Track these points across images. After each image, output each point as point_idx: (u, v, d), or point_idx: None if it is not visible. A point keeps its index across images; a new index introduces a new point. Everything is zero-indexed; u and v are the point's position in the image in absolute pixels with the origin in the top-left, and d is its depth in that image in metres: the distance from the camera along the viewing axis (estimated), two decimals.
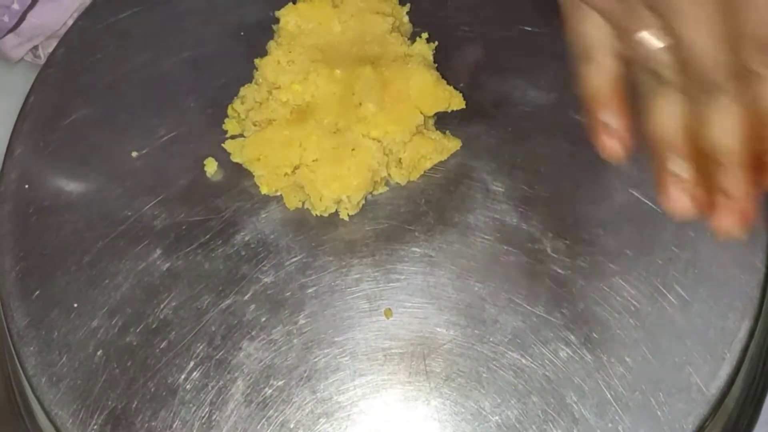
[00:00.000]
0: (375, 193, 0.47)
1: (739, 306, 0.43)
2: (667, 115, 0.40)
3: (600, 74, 0.41)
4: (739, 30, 0.37)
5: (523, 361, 0.43)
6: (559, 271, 0.45)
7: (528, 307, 0.44)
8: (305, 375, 0.43)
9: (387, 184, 0.47)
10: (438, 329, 0.44)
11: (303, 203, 0.46)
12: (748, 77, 0.38)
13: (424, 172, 0.47)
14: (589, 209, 0.46)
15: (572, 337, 0.43)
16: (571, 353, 0.43)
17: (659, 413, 0.41)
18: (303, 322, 0.44)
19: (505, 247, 0.45)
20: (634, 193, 0.47)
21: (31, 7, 0.59)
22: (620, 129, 0.41)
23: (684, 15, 0.37)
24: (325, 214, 0.46)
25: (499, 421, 0.42)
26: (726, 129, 0.38)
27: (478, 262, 0.45)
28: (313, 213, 0.46)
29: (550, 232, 0.46)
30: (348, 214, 0.46)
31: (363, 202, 0.46)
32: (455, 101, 0.46)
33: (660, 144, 0.40)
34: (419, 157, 0.46)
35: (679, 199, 0.40)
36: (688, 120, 0.39)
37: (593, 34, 0.41)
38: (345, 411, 0.42)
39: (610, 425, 0.41)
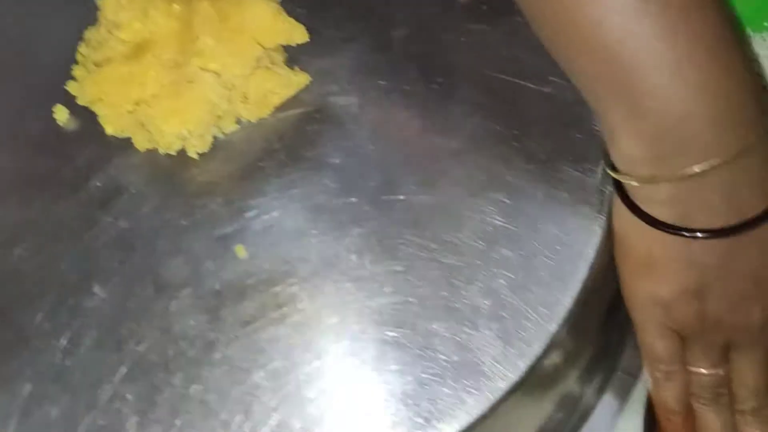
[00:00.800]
0: (226, 131, 0.46)
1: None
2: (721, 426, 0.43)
3: (672, 387, 0.43)
4: None
5: (381, 286, 0.43)
6: (413, 199, 0.45)
7: (380, 232, 0.44)
8: (159, 315, 0.43)
9: (239, 122, 0.47)
10: (290, 266, 0.44)
11: (153, 145, 0.46)
12: None
13: (277, 109, 0.47)
14: (438, 139, 0.46)
15: (430, 265, 0.43)
16: (427, 282, 0.43)
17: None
18: (156, 263, 0.44)
19: (359, 180, 0.46)
20: (489, 122, 0.47)
21: None
22: None
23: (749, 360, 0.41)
24: (172, 152, 0.45)
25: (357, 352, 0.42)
26: None
27: (331, 193, 0.45)
28: (161, 152, 0.45)
29: (403, 166, 0.46)
30: (197, 152, 0.45)
31: (212, 139, 0.46)
32: (298, 34, 0.46)
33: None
34: (266, 92, 0.46)
35: None
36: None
37: (668, 347, 0.42)
38: (201, 350, 0.42)
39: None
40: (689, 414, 0.44)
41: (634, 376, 0.49)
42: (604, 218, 0.43)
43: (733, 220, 0.38)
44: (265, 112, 0.47)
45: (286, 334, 0.42)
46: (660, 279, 0.41)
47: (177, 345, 0.42)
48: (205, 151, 0.46)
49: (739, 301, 0.40)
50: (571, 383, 0.47)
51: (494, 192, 0.44)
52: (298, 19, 0.47)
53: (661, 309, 0.41)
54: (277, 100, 0.47)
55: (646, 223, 0.39)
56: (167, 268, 0.44)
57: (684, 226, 0.39)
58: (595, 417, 0.48)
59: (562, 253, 0.43)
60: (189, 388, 0.41)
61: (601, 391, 0.48)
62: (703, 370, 0.43)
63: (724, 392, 0.43)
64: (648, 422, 0.47)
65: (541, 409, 0.46)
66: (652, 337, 0.43)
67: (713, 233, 0.38)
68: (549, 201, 0.44)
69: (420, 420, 0.40)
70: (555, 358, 0.42)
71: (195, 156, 0.46)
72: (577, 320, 0.42)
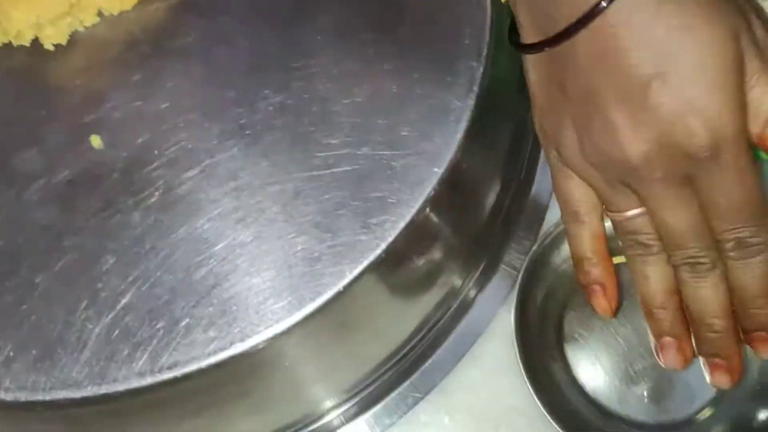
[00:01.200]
0: (86, 24, 0.44)
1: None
2: (654, 280, 0.41)
3: (587, 234, 0.42)
4: (709, 215, 0.39)
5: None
6: (280, 86, 0.43)
7: (243, 119, 0.42)
8: (8, 205, 0.41)
9: (100, 15, 0.45)
10: (149, 154, 0.42)
11: (6, 38, 0.44)
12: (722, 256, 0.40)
13: (140, 2, 0.45)
14: (307, 27, 0.45)
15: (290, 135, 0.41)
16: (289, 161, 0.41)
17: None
18: (8, 154, 0.42)
19: (225, 69, 0.44)
20: (361, 8, 0.45)
21: None
22: (609, 287, 0.42)
23: (657, 199, 0.39)
24: (26, 43, 0.43)
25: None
26: (708, 297, 0.40)
27: (196, 84, 0.43)
28: (15, 44, 0.43)
29: (270, 53, 0.44)
30: (52, 44, 0.43)
31: (69, 31, 0.44)
32: None
33: (649, 307, 0.42)
34: None
35: (672, 357, 0.42)
36: (673, 283, 0.41)
37: (581, 196, 0.42)
38: (51, 239, 0.40)
39: None
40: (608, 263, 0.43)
41: (516, 270, 0.47)
42: (474, 99, 0.42)
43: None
44: (129, 4, 0.45)
45: (139, 218, 0.40)
46: (558, 120, 0.40)
47: (26, 234, 0.40)
48: (63, 43, 0.44)
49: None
50: (451, 277, 0.46)
51: (365, 77, 0.43)
52: None
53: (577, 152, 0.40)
54: None
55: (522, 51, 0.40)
56: (20, 159, 0.42)
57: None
58: (475, 310, 0.47)
59: (432, 131, 0.41)
60: (36, 276, 0.39)
61: (481, 284, 0.47)
62: (627, 214, 0.41)
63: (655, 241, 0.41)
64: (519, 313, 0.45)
65: (421, 302, 0.45)
66: (570, 185, 0.42)
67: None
68: (423, 78, 0.42)
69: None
70: (417, 241, 0.41)
71: (51, 48, 0.44)
72: (442, 201, 0.41)
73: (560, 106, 0.40)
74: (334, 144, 0.41)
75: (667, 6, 0.36)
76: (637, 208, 0.40)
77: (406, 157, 0.41)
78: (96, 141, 0.42)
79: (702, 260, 0.40)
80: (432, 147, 0.41)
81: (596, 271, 0.43)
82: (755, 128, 0.38)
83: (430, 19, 0.44)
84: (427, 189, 0.40)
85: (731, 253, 0.39)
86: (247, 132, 0.42)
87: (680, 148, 0.37)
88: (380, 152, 0.41)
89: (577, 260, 0.43)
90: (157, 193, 0.41)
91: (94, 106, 0.43)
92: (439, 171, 0.41)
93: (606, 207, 0.42)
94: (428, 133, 0.41)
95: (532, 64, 0.41)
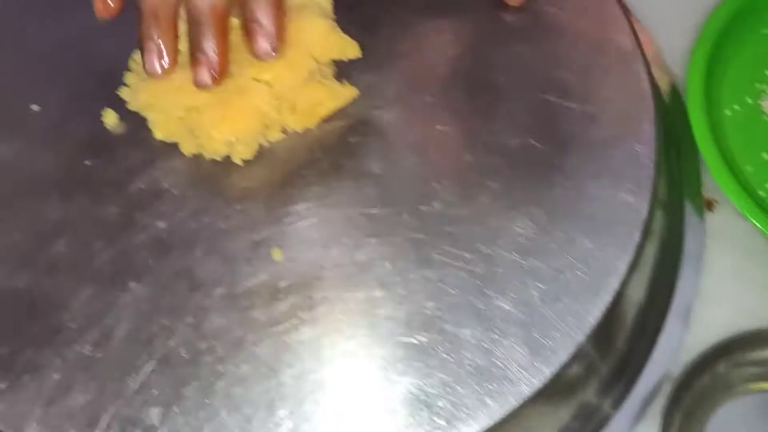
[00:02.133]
0: (271, 139, 0.47)
1: (620, 244, 0.43)
2: None
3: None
4: None
5: (404, 293, 0.42)
6: (450, 213, 0.45)
7: (413, 241, 0.44)
8: (192, 313, 0.43)
9: (284, 132, 0.47)
10: (326, 272, 0.43)
11: (200, 150, 0.46)
12: None
13: (322, 120, 0.47)
14: (479, 152, 0.46)
15: (462, 274, 0.43)
16: (459, 290, 0.42)
17: (540, 345, 0.41)
18: (191, 263, 0.44)
19: (398, 191, 0.45)
20: (530, 139, 0.47)
21: None
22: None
23: None
24: (218, 157, 0.46)
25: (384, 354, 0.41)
26: None
27: (369, 204, 0.45)
28: (207, 157, 0.46)
29: (443, 179, 0.46)
30: (241, 159, 0.46)
31: (257, 147, 0.46)
32: (350, 50, 0.47)
33: (145, 15, 0.45)
34: (314, 103, 0.46)
35: (153, 62, 0.45)
36: None
37: None
38: (231, 348, 0.42)
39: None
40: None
41: (654, 390, 0.47)
42: (638, 235, 0.43)
43: None
44: (312, 122, 0.47)
45: (314, 335, 0.41)
46: None
47: (207, 341, 0.42)
48: (250, 158, 0.46)
49: None
50: (590, 393, 0.46)
51: (530, 206, 0.44)
52: (350, 36, 0.48)
53: None
54: (324, 111, 0.47)
55: None
56: (202, 267, 0.44)
57: None
58: (611, 428, 0.46)
59: (594, 267, 0.42)
60: (215, 383, 0.41)
61: (618, 402, 0.47)
62: None
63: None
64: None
65: (559, 417, 0.45)
66: None
67: None
68: (584, 217, 0.44)
69: (441, 422, 0.39)
70: (578, 368, 0.41)
71: (239, 162, 0.46)
72: (603, 333, 0.41)
73: None
74: (500, 274, 0.42)
75: None
76: None
77: (570, 291, 0.42)
78: (277, 254, 0.44)
79: None
80: (596, 281, 0.42)
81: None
82: None
83: (602, 154, 0.45)
84: (591, 322, 0.41)
85: None
86: (422, 254, 0.43)
87: None
88: (542, 285, 0.42)
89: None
90: (331, 310, 0.42)
91: (274, 220, 0.45)
92: (602, 306, 0.41)
93: None
94: (593, 267, 0.42)
95: None
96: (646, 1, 0.58)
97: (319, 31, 0.46)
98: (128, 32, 0.47)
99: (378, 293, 0.42)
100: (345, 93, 0.47)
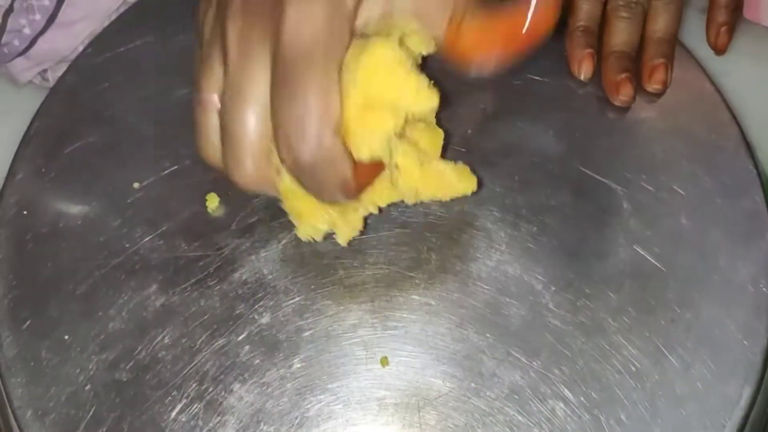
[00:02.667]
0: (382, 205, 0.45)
1: (741, 372, 0.43)
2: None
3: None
4: None
5: (519, 417, 0.42)
6: (560, 326, 0.44)
7: (526, 362, 0.43)
8: (296, 422, 0.42)
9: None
10: (434, 380, 0.43)
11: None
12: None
13: (429, 218, 0.47)
14: (592, 264, 0.45)
15: (570, 395, 0.42)
16: (568, 412, 0.42)
17: None
18: (297, 366, 0.43)
19: (506, 299, 0.45)
20: (638, 249, 0.46)
21: (42, 32, 0.59)
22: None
23: None
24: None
25: None
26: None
27: (477, 312, 0.44)
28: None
29: (552, 286, 0.45)
30: (346, 242, 0.45)
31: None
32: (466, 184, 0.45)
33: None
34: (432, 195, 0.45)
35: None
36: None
37: None
38: None
39: None
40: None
41: None
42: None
43: None
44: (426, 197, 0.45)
45: None
46: None
47: None
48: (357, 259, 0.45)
49: None
50: None
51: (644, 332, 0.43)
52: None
53: None
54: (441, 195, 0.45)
55: None
56: (308, 372, 0.43)
57: None
58: None
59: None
60: None
61: None
62: None
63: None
64: None
65: None
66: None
67: None
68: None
69: None
70: None
71: (344, 243, 0.45)
72: None
73: None
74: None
75: None
76: None
77: None
78: (385, 362, 0.43)
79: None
80: None
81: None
82: None
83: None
84: None
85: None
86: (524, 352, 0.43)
87: None
88: None
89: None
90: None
91: (381, 323, 0.44)
92: None
93: None
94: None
95: None
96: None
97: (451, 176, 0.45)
98: None
99: (495, 416, 0.42)
100: (461, 187, 0.46)
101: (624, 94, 0.50)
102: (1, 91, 0.63)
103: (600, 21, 0.53)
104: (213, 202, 0.47)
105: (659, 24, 0.53)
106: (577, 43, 0.52)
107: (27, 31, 0.58)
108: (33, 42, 0.60)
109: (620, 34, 0.52)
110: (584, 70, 0.51)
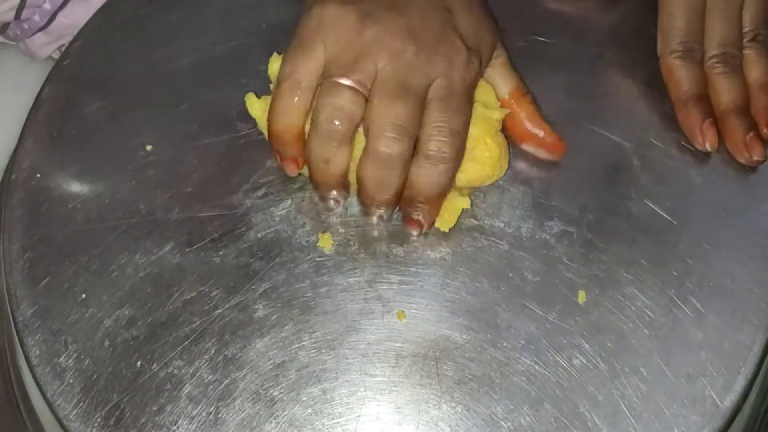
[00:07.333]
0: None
1: (753, 320, 0.43)
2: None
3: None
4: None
5: (536, 367, 0.42)
6: (574, 278, 0.44)
7: (542, 314, 0.43)
8: (315, 375, 0.42)
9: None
10: (451, 333, 0.43)
11: None
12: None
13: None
14: (604, 219, 0.46)
15: (586, 345, 0.43)
16: (584, 361, 0.42)
17: (673, 425, 0.41)
18: (314, 321, 0.44)
19: (520, 253, 0.45)
20: (650, 204, 0.46)
21: (62, 6, 0.59)
22: None
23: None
24: None
25: (511, 427, 0.41)
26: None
27: (492, 266, 0.45)
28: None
29: (565, 240, 0.45)
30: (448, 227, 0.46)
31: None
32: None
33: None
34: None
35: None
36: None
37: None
38: (354, 412, 0.42)
39: None
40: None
41: None
42: None
43: None
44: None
45: None
46: None
47: (333, 405, 0.42)
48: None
49: None
50: None
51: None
52: None
53: None
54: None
55: None
56: (326, 326, 0.44)
57: None
58: None
59: None
60: None
61: None
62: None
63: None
64: None
65: None
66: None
67: None
68: None
69: None
70: None
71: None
72: None
73: None
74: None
75: None
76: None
77: None
78: (402, 316, 0.43)
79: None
80: None
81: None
82: None
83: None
84: None
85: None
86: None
87: None
88: None
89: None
90: (453, 383, 0.42)
91: (397, 278, 0.45)
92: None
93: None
94: None
95: None
96: None
97: None
98: (248, 65, 0.47)
99: (512, 366, 0.42)
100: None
101: (757, 154, 0.47)
102: (17, 66, 0.63)
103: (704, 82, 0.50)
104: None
105: (760, 70, 0.50)
106: (693, 114, 0.48)
107: (47, 6, 0.59)
108: (53, 17, 0.60)
109: (730, 91, 0.49)
110: (710, 142, 0.48)
